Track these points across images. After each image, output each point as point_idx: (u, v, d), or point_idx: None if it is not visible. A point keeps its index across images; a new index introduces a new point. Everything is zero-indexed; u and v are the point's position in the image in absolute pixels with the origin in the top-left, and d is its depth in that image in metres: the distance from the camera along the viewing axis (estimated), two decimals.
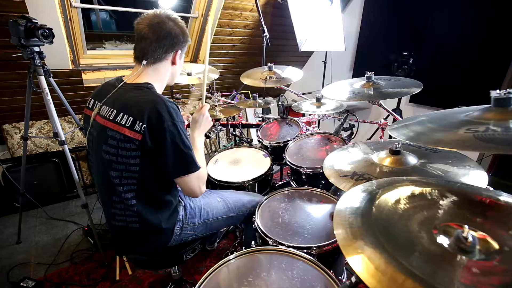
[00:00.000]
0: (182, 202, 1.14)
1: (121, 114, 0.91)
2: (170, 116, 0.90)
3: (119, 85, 1.00)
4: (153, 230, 1.03)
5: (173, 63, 1.06)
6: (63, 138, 1.72)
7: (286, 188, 1.33)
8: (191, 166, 0.96)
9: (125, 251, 1.13)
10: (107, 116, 0.94)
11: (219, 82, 3.56)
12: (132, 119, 0.89)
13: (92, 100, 1.04)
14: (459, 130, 0.67)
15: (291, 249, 0.92)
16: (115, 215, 1.02)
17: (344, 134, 1.91)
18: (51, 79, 1.71)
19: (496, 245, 0.48)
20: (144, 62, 1.01)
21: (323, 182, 1.41)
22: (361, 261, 0.46)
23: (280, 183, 2.04)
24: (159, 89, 1.05)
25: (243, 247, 1.35)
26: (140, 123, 0.88)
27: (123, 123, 0.90)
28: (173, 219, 1.07)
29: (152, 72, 1.03)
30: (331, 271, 0.82)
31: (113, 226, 1.06)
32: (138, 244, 1.08)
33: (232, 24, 2.93)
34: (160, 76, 1.05)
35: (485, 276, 0.42)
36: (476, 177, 0.81)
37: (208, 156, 1.77)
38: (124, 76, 1.05)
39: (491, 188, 0.69)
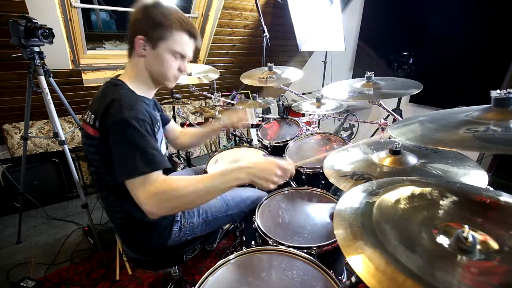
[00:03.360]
0: None
1: (89, 113, 0.90)
2: (120, 110, 0.81)
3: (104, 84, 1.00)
4: (141, 226, 1.02)
5: (138, 53, 0.94)
6: (63, 138, 1.72)
7: (286, 188, 1.33)
8: (134, 168, 0.78)
9: (127, 245, 1.14)
10: (85, 118, 0.94)
11: (219, 82, 3.56)
12: (94, 116, 0.87)
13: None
14: (459, 130, 0.67)
15: (291, 249, 0.92)
16: (107, 211, 1.08)
17: (344, 134, 1.91)
18: (51, 79, 1.71)
19: (496, 245, 0.48)
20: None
21: (323, 182, 1.41)
22: (361, 261, 0.46)
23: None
24: (140, 87, 0.98)
25: (243, 247, 1.35)
26: (97, 120, 0.86)
27: (89, 121, 0.89)
28: (168, 215, 1.05)
29: (129, 67, 0.99)
30: (331, 271, 0.82)
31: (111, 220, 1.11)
32: (133, 240, 1.09)
33: (232, 24, 2.93)
34: (134, 72, 0.98)
35: (485, 276, 0.42)
36: (476, 177, 0.81)
37: (208, 156, 1.77)
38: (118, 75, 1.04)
39: (491, 188, 0.69)
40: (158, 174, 0.80)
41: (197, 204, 0.84)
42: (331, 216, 1.12)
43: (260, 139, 1.85)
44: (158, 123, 0.98)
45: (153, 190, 0.78)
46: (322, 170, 1.02)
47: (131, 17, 0.94)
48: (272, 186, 0.86)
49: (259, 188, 0.93)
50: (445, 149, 0.96)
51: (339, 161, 1.05)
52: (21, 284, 1.62)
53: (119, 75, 1.02)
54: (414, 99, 2.85)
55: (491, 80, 2.27)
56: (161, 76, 0.99)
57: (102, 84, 1.00)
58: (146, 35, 0.91)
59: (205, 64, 3.14)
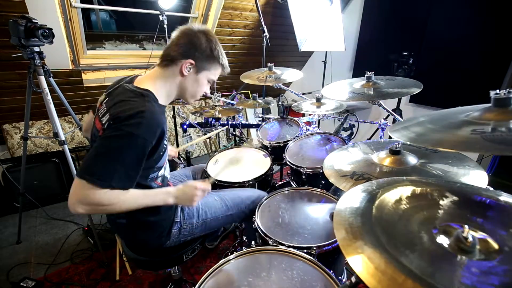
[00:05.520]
0: None
1: (107, 114, 0.87)
2: (137, 125, 0.81)
3: (119, 84, 0.99)
4: (141, 227, 1.02)
5: (181, 72, 0.98)
6: (63, 138, 1.72)
7: (286, 188, 1.33)
8: (86, 170, 0.79)
9: (126, 244, 1.15)
10: (99, 113, 0.93)
11: (219, 82, 3.56)
12: (109, 118, 0.85)
13: (104, 95, 1.03)
14: (464, 131, 0.66)
15: (291, 249, 0.92)
16: None
17: (344, 134, 1.91)
18: (51, 79, 1.71)
19: (496, 245, 0.48)
20: (158, 61, 1.00)
21: (323, 182, 1.41)
22: (361, 261, 0.46)
23: (280, 183, 2.03)
24: (163, 97, 0.99)
25: (244, 247, 1.35)
26: (111, 121, 0.83)
27: (104, 122, 0.87)
28: (167, 216, 1.06)
29: (160, 75, 0.99)
30: (331, 271, 0.82)
31: (110, 221, 1.09)
32: (132, 240, 1.10)
33: (232, 24, 2.93)
34: (165, 83, 0.99)
35: (485, 276, 0.42)
36: (476, 177, 0.81)
37: (208, 156, 1.77)
38: (137, 75, 1.03)
39: (491, 188, 0.69)
40: (109, 188, 0.82)
41: (119, 212, 0.88)
42: (331, 216, 1.12)
43: (260, 139, 1.85)
44: (165, 136, 0.95)
45: (95, 200, 0.79)
46: (322, 170, 1.02)
47: (186, 37, 0.97)
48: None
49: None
50: (449, 151, 0.95)
51: (339, 161, 1.05)
52: (21, 284, 1.62)
53: (138, 75, 1.02)
54: (414, 99, 2.85)
55: (491, 80, 2.27)
56: (191, 95, 1.06)
57: (124, 85, 0.96)
58: (196, 61, 0.99)
59: None
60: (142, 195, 0.91)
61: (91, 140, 0.99)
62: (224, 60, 1.06)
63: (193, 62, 0.98)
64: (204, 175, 1.52)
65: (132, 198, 0.88)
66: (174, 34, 0.99)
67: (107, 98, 0.97)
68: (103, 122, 0.86)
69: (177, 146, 3.12)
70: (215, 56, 1.01)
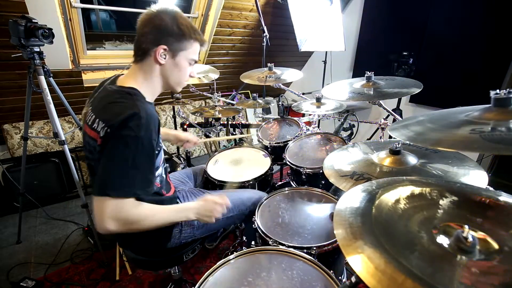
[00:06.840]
0: None
1: (97, 120, 0.85)
2: (138, 127, 0.80)
3: (102, 87, 0.97)
4: (142, 232, 0.98)
5: (157, 61, 0.92)
6: (63, 138, 1.72)
7: (286, 188, 1.33)
8: (107, 187, 0.78)
9: (124, 247, 1.15)
10: (87, 121, 0.91)
11: (219, 82, 3.56)
12: (103, 125, 0.82)
13: (89, 100, 1.02)
14: (463, 131, 0.66)
15: (291, 249, 0.92)
16: None
17: (344, 134, 1.91)
18: (51, 79, 1.71)
19: (496, 245, 0.48)
20: (133, 58, 0.96)
21: (323, 182, 1.41)
22: (361, 261, 0.46)
23: (280, 183, 2.03)
24: (149, 93, 0.95)
25: (244, 247, 1.35)
26: (107, 128, 0.81)
27: (98, 129, 0.84)
28: None
29: (138, 72, 0.95)
30: (331, 271, 0.82)
31: None
32: (132, 244, 1.09)
33: (232, 24, 2.93)
34: (146, 78, 0.95)
35: (485, 276, 0.42)
36: (476, 177, 0.81)
37: (208, 156, 1.77)
38: (119, 75, 1.01)
39: (491, 188, 0.69)
40: (134, 197, 0.83)
41: (148, 229, 0.90)
42: (331, 216, 1.12)
43: (260, 139, 1.85)
44: (159, 130, 0.95)
45: (124, 212, 0.80)
46: (322, 170, 1.02)
47: (150, 24, 0.91)
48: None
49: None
50: (448, 150, 0.95)
51: (339, 161, 1.05)
52: (21, 284, 1.62)
53: (120, 75, 1.01)
54: (414, 99, 2.85)
55: (491, 80, 2.27)
56: (176, 82, 1.01)
57: (109, 85, 0.95)
58: (168, 45, 0.92)
59: (205, 64, 3.14)
60: (167, 212, 0.94)
61: (84, 148, 0.96)
62: (196, 33, 0.96)
63: (165, 47, 0.91)
64: (203, 175, 1.52)
65: (159, 214, 0.91)
66: (138, 24, 0.93)
67: (92, 103, 0.96)
68: (98, 130, 0.83)
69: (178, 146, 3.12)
70: (184, 32, 0.93)
